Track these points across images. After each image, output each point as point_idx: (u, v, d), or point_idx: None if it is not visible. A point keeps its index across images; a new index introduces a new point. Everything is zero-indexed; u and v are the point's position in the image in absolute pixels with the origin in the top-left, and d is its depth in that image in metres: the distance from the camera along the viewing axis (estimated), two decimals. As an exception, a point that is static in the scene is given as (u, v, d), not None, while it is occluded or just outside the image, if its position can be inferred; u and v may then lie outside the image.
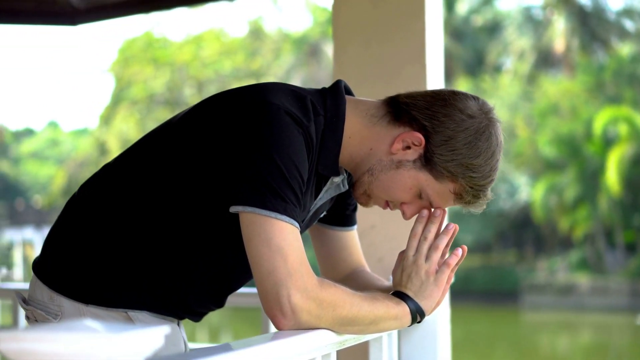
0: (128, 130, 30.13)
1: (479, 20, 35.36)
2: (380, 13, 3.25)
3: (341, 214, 2.43)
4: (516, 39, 33.50)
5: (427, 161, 2.11)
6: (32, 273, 2.21)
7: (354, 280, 2.43)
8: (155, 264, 2.10)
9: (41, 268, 2.15)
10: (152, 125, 28.34)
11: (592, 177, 28.69)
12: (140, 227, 2.09)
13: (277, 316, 1.94)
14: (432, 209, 2.23)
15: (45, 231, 30.77)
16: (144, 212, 2.08)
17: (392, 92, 3.11)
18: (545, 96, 31.03)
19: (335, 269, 2.49)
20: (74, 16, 5.05)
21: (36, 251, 32.31)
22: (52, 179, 37.16)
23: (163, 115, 29.08)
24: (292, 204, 1.95)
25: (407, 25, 3.21)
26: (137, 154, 2.14)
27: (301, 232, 2.29)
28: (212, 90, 32.81)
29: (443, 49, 3.40)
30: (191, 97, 31.50)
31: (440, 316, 3.07)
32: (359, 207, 3.20)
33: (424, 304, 2.19)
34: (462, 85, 33.74)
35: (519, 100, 31.64)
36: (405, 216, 2.24)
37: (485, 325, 25.75)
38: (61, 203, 34.21)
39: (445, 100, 2.12)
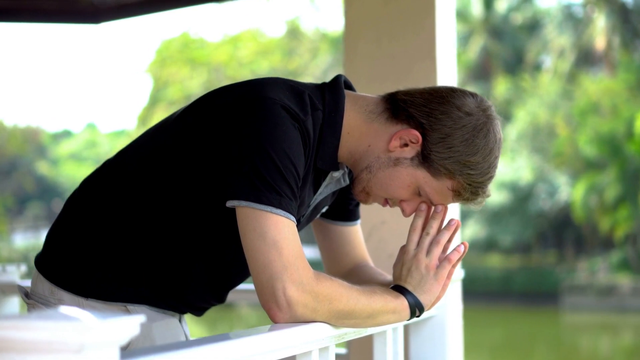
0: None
1: (518, 18, 35.15)
2: (391, 10, 3.27)
3: (344, 208, 2.45)
4: (556, 37, 33.26)
5: (425, 159, 2.13)
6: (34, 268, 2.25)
7: (357, 275, 2.45)
8: (153, 259, 2.14)
9: (42, 262, 2.19)
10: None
11: (633, 177, 28.40)
12: (139, 222, 2.12)
13: (272, 309, 1.97)
14: (434, 205, 2.25)
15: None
16: (143, 207, 2.12)
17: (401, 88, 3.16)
18: (585, 95, 30.76)
19: (338, 264, 2.51)
20: (97, 15, 5.09)
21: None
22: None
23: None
24: (287, 198, 1.98)
25: (417, 22, 3.22)
26: (137, 150, 2.17)
27: (302, 227, 2.32)
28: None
29: (455, 46, 3.41)
30: (228, 98, 31.52)
31: (450, 312, 3.08)
32: (369, 203, 3.25)
33: (423, 299, 2.21)
34: (502, 84, 33.56)
35: (559, 99, 31.40)
36: (405, 213, 2.25)
37: (525, 327, 25.56)
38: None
39: (442, 97, 2.14)
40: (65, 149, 45.71)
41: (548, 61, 34.73)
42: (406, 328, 3.10)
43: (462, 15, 35.60)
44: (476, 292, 31.60)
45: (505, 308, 29.84)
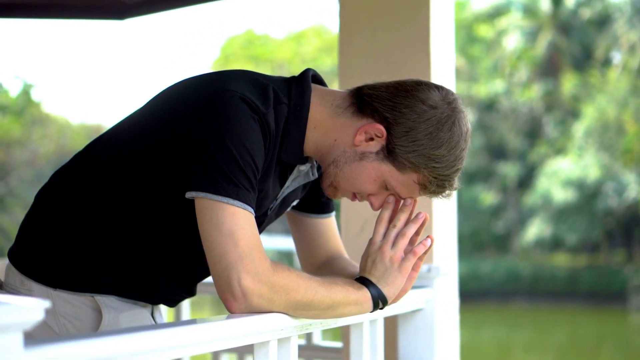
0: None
1: (587, 13, 34.67)
2: (385, 3, 3.28)
3: (316, 201, 2.47)
4: (626, 32, 32.72)
5: (389, 153, 2.14)
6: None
7: (330, 267, 2.47)
8: (120, 251, 2.17)
9: (14, 254, 2.23)
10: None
11: (703, 175, 27.92)
12: (106, 214, 2.15)
13: (228, 299, 1.99)
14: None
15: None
16: (110, 200, 2.15)
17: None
18: (655, 91, 30.30)
19: (312, 256, 2.53)
20: (122, 11, 5.16)
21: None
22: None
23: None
24: (245, 189, 2.00)
25: (411, 15, 3.23)
26: (105, 144, 2.21)
27: (271, 220, 2.35)
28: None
29: (453, 38, 3.41)
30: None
31: (440, 306, 3.08)
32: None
33: (386, 291, 2.22)
34: (569, 80, 33.16)
35: (628, 95, 30.92)
36: (373, 207, 2.27)
37: (592, 327, 25.26)
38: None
39: (407, 91, 2.15)
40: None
41: (617, 57, 34.21)
42: (394, 320, 3.11)
43: (530, 10, 35.25)
44: (542, 291, 31.30)
45: (571, 308, 29.51)
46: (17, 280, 2.21)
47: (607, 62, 34.25)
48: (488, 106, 35.47)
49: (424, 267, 3.05)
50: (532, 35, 34.70)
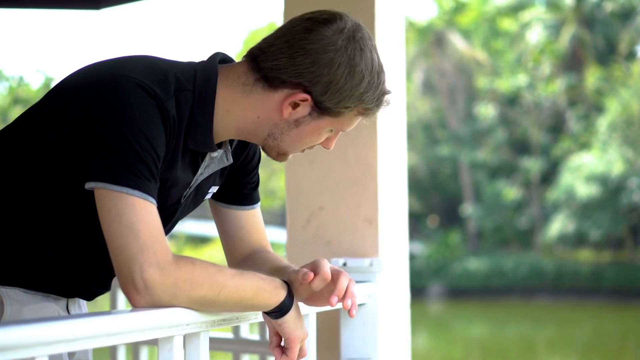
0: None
1: (610, 6, 34.43)
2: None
3: (238, 192, 2.40)
4: (650, 25, 32.50)
5: (321, 109, 2.10)
6: None
7: (252, 261, 2.40)
8: (25, 243, 2.12)
9: None
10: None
11: None
12: (10, 206, 2.11)
13: (130, 292, 1.93)
14: None
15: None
16: (13, 191, 2.11)
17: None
18: (680, 84, 30.05)
19: (234, 250, 2.46)
20: (98, 1, 5.12)
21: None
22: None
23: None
24: (145, 179, 1.94)
25: (356, 2, 3.16)
26: (10, 131, 2.16)
27: (187, 209, 2.29)
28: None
29: (403, 22, 3.33)
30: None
31: (382, 300, 3.01)
32: (307, 188, 3.19)
33: (293, 315, 2.16)
34: (593, 74, 32.95)
35: (653, 89, 30.72)
36: (330, 148, 2.25)
37: (616, 324, 25.15)
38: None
39: (302, 48, 2.07)
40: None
41: (642, 50, 33.96)
42: (337, 315, 3.05)
43: (554, 4, 35.09)
44: (566, 287, 31.19)
45: (595, 304, 29.37)
46: None
47: (631, 56, 34.05)
48: (511, 100, 35.38)
49: (366, 261, 2.98)
50: (555, 29, 34.52)
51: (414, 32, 35.57)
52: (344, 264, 3.00)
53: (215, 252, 28.55)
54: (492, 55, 36.08)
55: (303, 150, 2.23)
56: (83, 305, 2.35)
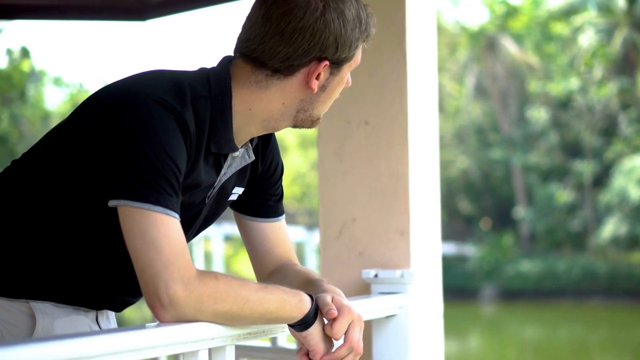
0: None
1: (663, 9, 33.97)
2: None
3: (262, 204, 2.40)
4: None
5: (340, 63, 2.15)
6: None
7: (283, 275, 2.39)
8: (54, 258, 2.14)
9: None
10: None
11: None
12: (39, 222, 2.12)
13: (156, 307, 1.94)
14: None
15: (224, 227, 31.51)
16: (41, 207, 2.12)
17: (373, 81, 3.08)
18: None
19: (262, 263, 2.45)
20: (143, 12, 5.15)
21: (213, 246, 33.11)
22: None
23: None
24: (166, 194, 1.95)
25: (387, 15, 3.13)
26: (39, 149, 2.18)
27: (211, 209, 2.30)
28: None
29: (434, 38, 3.30)
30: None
31: (415, 311, 2.99)
32: (340, 200, 3.17)
33: (317, 327, 2.14)
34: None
35: None
36: (349, 85, 2.27)
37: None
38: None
39: (295, 29, 2.09)
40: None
41: (695, 53, 33.44)
42: (369, 326, 3.02)
43: (606, 8, 34.70)
44: (619, 290, 30.83)
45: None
46: None
47: (684, 58, 33.51)
48: (563, 104, 35.06)
49: (397, 273, 2.96)
50: (607, 33, 34.13)
51: (466, 36, 35.39)
52: (375, 276, 2.98)
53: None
54: (544, 59, 35.78)
55: None
56: (112, 316, 2.36)
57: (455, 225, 36.41)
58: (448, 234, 34.81)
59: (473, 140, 36.64)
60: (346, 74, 2.20)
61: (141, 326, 1.99)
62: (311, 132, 28.30)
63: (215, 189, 2.23)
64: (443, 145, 34.29)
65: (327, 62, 2.11)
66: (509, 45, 35.33)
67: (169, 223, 1.94)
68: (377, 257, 3.11)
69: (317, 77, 2.13)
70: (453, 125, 35.68)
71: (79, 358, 1.68)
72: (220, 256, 32.60)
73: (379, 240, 3.11)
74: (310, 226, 27.82)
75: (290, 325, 2.15)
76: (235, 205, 2.40)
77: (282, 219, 2.46)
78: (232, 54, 2.21)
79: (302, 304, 2.10)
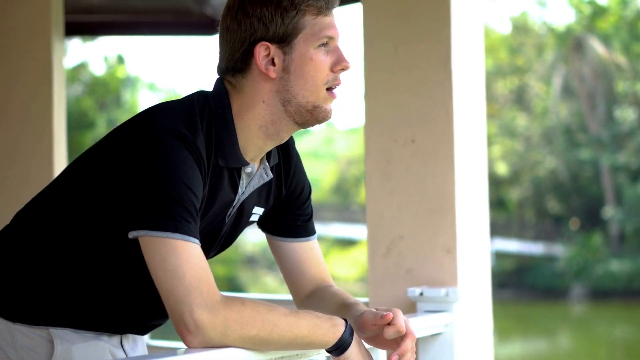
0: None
1: None
2: (406, 21, 3.16)
3: (292, 224, 2.38)
4: None
5: (284, 40, 2.11)
6: None
7: (320, 299, 2.37)
8: (75, 287, 2.16)
9: None
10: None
11: None
12: (61, 250, 2.15)
13: (183, 333, 1.94)
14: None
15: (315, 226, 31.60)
16: (63, 239, 2.15)
17: (418, 99, 3.05)
18: None
19: (298, 286, 2.43)
20: (210, 26, 5.23)
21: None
22: (324, 176, 38.26)
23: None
24: (184, 221, 1.95)
25: (432, 34, 3.10)
26: (62, 182, 2.21)
27: (233, 231, 2.29)
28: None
29: (482, 56, 3.25)
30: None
31: (461, 331, 2.94)
32: (387, 217, 3.14)
33: (354, 351, 2.11)
34: None
35: None
36: (346, 64, 2.17)
37: None
38: (330, 199, 35.06)
39: (226, 28, 2.13)
40: (305, 145, 46.90)
41: None
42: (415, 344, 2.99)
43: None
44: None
45: None
46: None
47: None
48: (652, 103, 34.31)
49: (442, 291, 2.92)
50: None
51: (553, 37, 34.87)
52: (421, 294, 2.95)
53: (361, 255, 28.61)
54: (632, 59, 35.02)
55: (332, 94, 2.17)
56: (139, 340, 2.36)
57: (543, 225, 35.92)
58: (537, 234, 34.38)
59: (561, 141, 36.06)
60: (307, 49, 2.12)
61: (169, 352, 1.99)
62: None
63: (235, 208, 2.22)
64: (531, 146, 33.95)
65: (266, 43, 2.10)
66: (596, 46, 34.68)
67: (189, 249, 1.94)
68: (424, 275, 3.08)
69: (271, 62, 2.11)
70: (541, 125, 35.18)
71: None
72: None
73: (426, 258, 3.08)
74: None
75: (327, 351, 2.13)
76: (265, 227, 2.39)
77: (314, 238, 2.44)
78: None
79: (335, 328, 2.08)
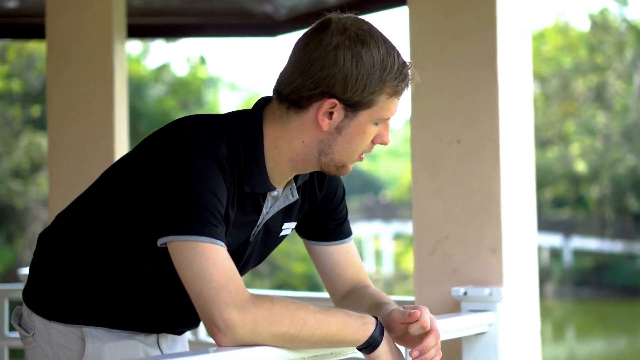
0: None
1: None
2: (452, 22, 3.13)
3: (327, 228, 2.38)
4: None
5: (353, 106, 2.07)
6: None
7: (355, 298, 2.38)
8: (109, 289, 2.20)
9: (24, 290, 2.32)
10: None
11: None
12: (95, 253, 2.19)
13: (214, 332, 1.96)
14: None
15: (393, 225, 31.57)
16: (97, 240, 2.18)
17: (464, 99, 3.02)
18: None
19: (335, 287, 2.44)
20: (274, 28, 5.26)
21: (382, 244, 33.16)
22: (403, 174, 38.07)
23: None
24: (211, 225, 1.97)
25: (478, 34, 3.07)
26: (99, 188, 2.24)
27: (261, 248, 2.30)
28: (553, 85, 32.14)
29: (529, 55, 3.21)
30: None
31: (505, 331, 2.91)
32: (433, 217, 3.12)
33: (384, 349, 2.11)
34: None
35: None
36: (387, 142, 2.18)
37: None
38: (409, 197, 34.85)
39: (308, 60, 2.06)
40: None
41: None
42: (459, 343, 2.97)
43: None
44: None
45: None
46: (25, 313, 2.29)
47: None
48: None
49: (485, 291, 2.89)
50: None
51: (634, 35, 34.21)
52: (465, 293, 2.92)
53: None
54: None
55: (361, 158, 2.17)
56: (178, 339, 2.38)
57: (623, 223, 35.30)
58: (616, 232, 33.83)
59: (642, 138, 35.46)
60: (366, 123, 2.11)
61: (199, 351, 2.01)
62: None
63: (259, 227, 2.23)
64: (611, 144, 33.37)
65: (336, 101, 2.06)
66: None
67: (216, 251, 1.96)
68: (469, 275, 3.05)
69: (329, 116, 2.08)
70: (620, 123, 34.53)
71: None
72: (390, 254, 32.66)
73: (471, 258, 3.05)
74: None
75: (358, 349, 2.13)
76: (299, 231, 2.40)
77: (350, 240, 2.43)
78: (268, 95, 2.22)
79: (365, 327, 2.08)
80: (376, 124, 2.12)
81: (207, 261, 1.94)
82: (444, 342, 2.92)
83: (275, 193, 2.19)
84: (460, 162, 3.08)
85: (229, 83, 28.13)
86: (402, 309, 2.17)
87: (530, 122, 3.19)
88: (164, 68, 25.37)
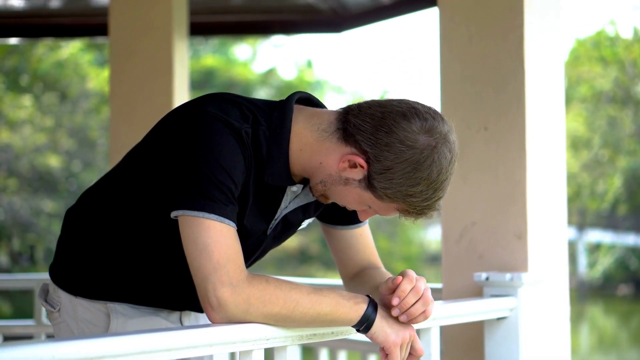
0: (577, 127, 29.66)
1: None
2: (481, 11, 3.10)
3: (343, 213, 2.39)
4: None
5: (369, 184, 2.07)
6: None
7: (360, 278, 2.40)
8: (133, 265, 2.24)
9: (51, 267, 2.38)
10: (600, 122, 27.61)
11: None
12: (119, 231, 2.23)
13: (207, 309, 2.00)
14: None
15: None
16: (121, 219, 2.23)
17: (492, 87, 3.00)
18: None
19: (346, 268, 2.46)
20: (339, 24, 5.27)
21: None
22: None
23: (610, 113, 28.24)
24: (221, 203, 1.99)
25: (506, 23, 3.03)
26: (121, 165, 2.28)
27: (277, 240, 2.32)
28: None
29: (559, 42, 3.15)
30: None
31: (526, 316, 2.87)
32: (460, 204, 3.10)
33: (379, 325, 2.11)
34: None
35: None
36: (361, 219, 2.22)
37: None
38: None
39: (389, 127, 2.04)
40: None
41: None
42: (481, 326, 2.95)
43: None
44: None
45: None
46: (52, 289, 2.34)
47: None
48: None
49: (507, 276, 2.86)
50: None
51: None
52: (487, 279, 2.89)
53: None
54: None
55: (343, 205, 2.19)
56: (202, 317, 2.40)
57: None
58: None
59: None
60: (365, 200, 2.11)
61: (193, 326, 2.04)
62: (582, 132, 27.44)
63: (278, 221, 2.24)
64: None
65: (365, 168, 2.05)
66: None
67: (221, 230, 1.98)
68: (495, 261, 3.02)
69: (351, 166, 2.08)
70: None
71: (140, 352, 1.81)
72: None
73: (498, 244, 3.02)
74: (581, 226, 26.93)
75: (357, 331, 2.13)
76: (318, 215, 2.40)
77: (364, 225, 2.44)
78: (305, 92, 2.22)
79: (357, 306, 2.08)
80: (369, 206, 2.14)
81: (210, 238, 1.97)
82: (466, 325, 2.94)
83: (294, 188, 2.20)
84: (487, 149, 3.04)
85: (335, 86, 28.16)
86: (386, 278, 2.17)
87: (562, 108, 3.14)
88: (271, 72, 25.58)
